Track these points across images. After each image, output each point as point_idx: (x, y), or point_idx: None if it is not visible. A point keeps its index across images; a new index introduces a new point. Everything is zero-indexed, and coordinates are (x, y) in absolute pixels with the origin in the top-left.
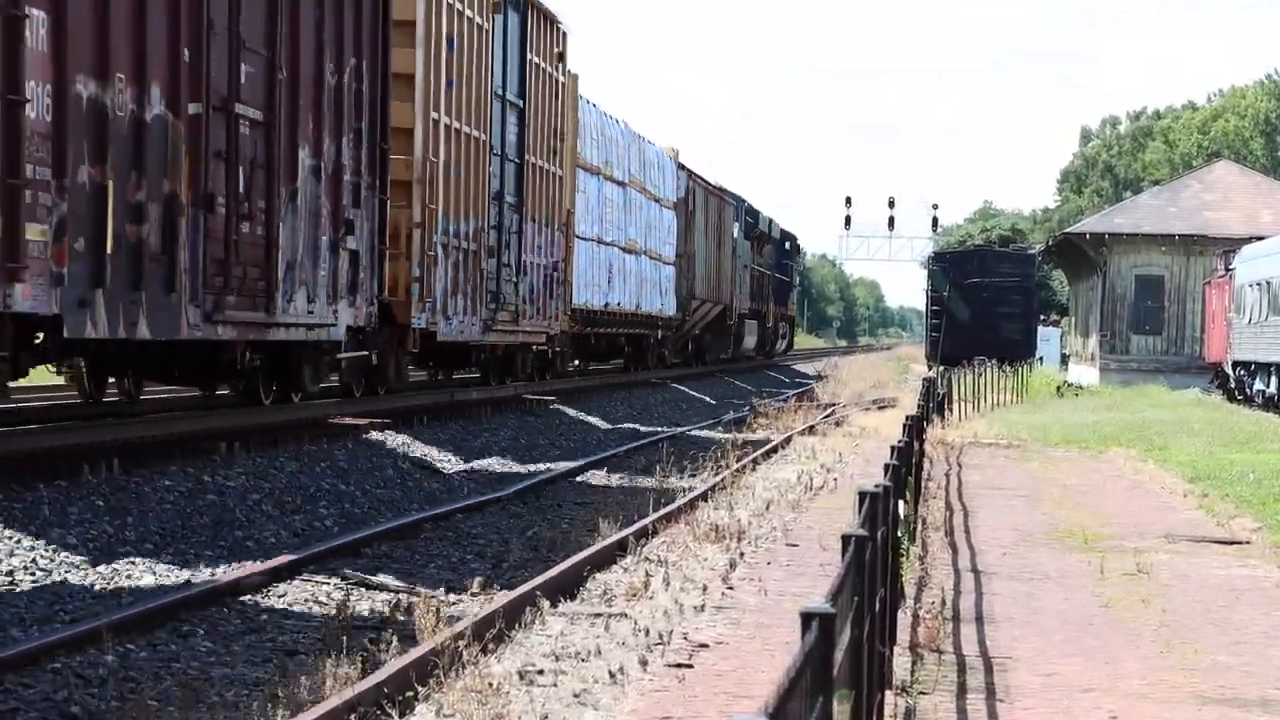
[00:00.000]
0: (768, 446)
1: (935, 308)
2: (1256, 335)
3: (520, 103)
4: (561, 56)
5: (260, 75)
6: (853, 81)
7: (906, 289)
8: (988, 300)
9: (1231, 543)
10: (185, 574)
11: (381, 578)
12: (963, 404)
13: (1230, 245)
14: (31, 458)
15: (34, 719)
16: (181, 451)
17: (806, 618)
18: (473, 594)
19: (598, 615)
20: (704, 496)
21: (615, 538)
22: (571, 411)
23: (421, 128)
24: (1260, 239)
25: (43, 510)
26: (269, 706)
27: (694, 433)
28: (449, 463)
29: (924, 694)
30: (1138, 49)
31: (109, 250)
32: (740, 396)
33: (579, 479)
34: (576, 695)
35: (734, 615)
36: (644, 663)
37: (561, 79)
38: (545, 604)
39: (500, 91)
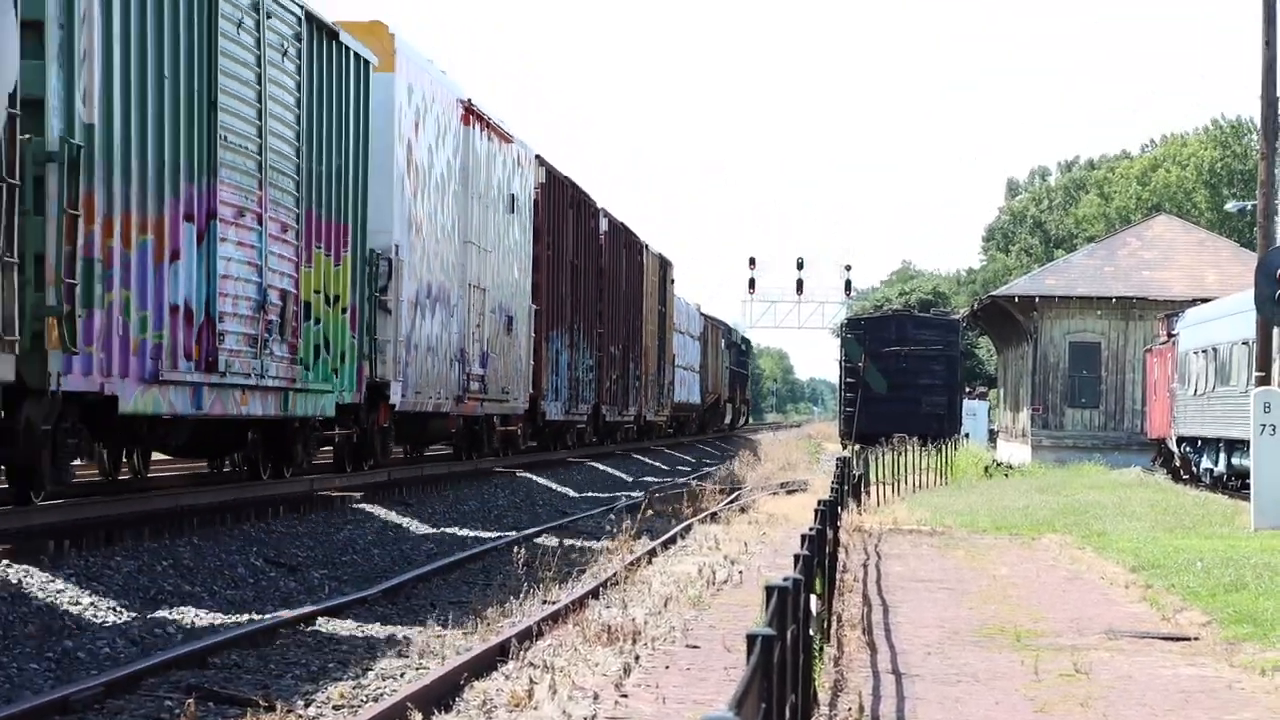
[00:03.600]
0: (664, 537)
1: (850, 380)
2: (1203, 408)
3: (663, 308)
4: (672, 281)
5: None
6: (756, 130)
7: (818, 359)
8: (907, 371)
9: (1179, 639)
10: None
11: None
12: (881, 486)
13: (1172, 308)
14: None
15: None
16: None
17: None
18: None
19: None
20: (594, 593)
21: (496, 641)
22: (669, 452)
23: (656, 337)
24: (1205, 301)
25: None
26: None
27: (710, 467)
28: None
29: None
30: (1067, 94)
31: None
32: (726, 450)
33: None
34: None
35: None
36: None
37: (669, 290)
38: (418, 717)
39: (658, 307)
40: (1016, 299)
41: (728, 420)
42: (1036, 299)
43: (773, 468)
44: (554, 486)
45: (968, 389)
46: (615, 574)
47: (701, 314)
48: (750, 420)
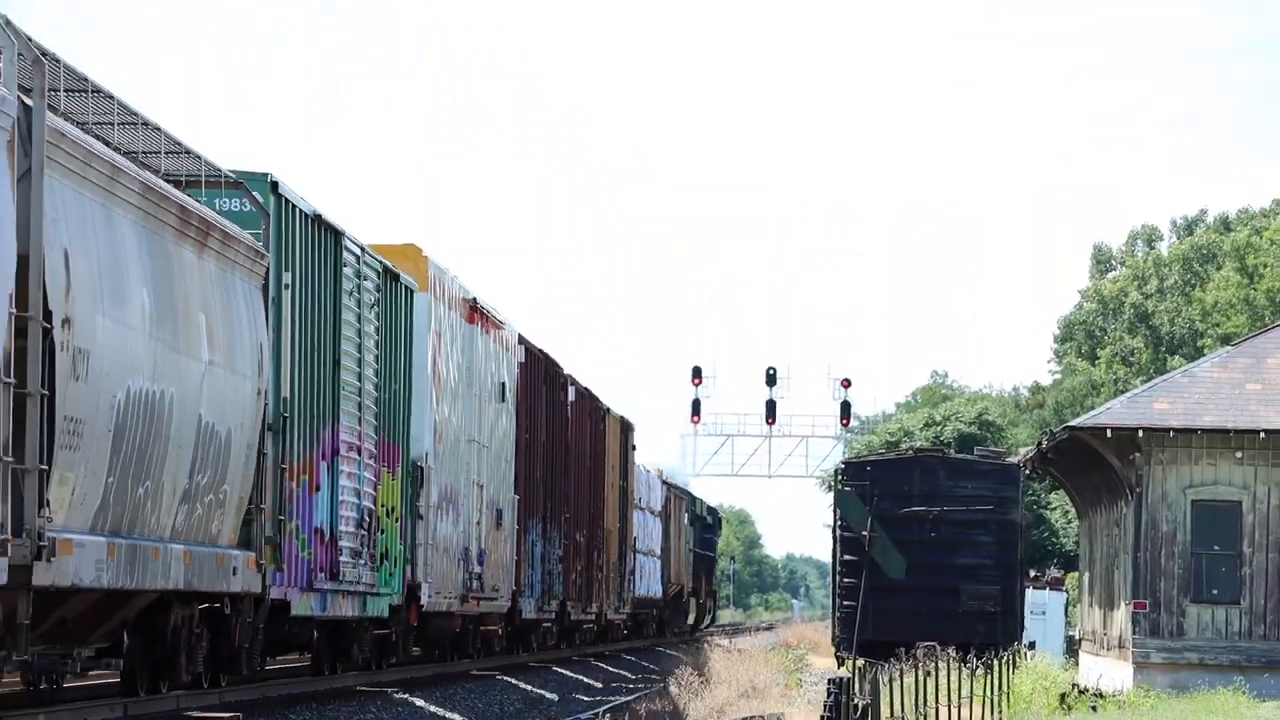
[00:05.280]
0: None
1: (849, 558)
2: None
3: (624, 482)
4: (634, 447)
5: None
6: (696, 163)
7: (799, 526)
8: (939, 544)
9: None
10: None
11: None
12: None
13: None
14: None
15: None
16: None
17: None
18: None
19: None
20: None
21: None
22: (627, 657)
23: (618, 517)
24: None
25: None
26: None
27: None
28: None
29: None
30: (1190, 140)
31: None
32: (680, 657)
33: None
34: None
35: None
36: None
37: (631, 458)
38: None
39: (619, 481)
40: (1109, 433)
41: (691, 619)
42: (1140, 433)
43: (729, 694)
44: (534, 689)
45: (1033, 573)
46: None
47: (663, 483)
48: (716, 619)
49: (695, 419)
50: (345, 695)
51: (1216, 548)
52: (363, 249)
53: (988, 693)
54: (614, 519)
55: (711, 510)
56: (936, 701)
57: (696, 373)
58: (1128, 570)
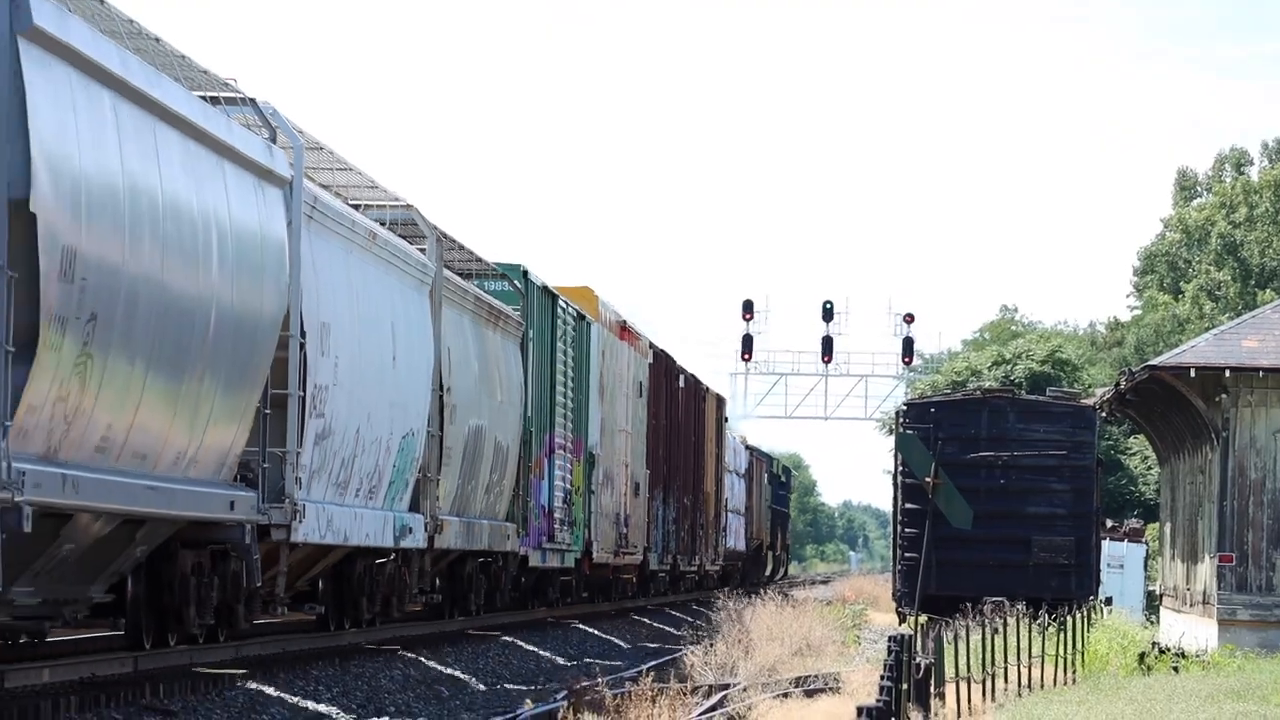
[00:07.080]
0: None
1: (911, 506)
2: None
3: (719, 450)
4: (726, 419)
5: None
6: (755, 96)
7: (857, 472)
8: (1008, 492)
9: None
10: None
11: None
12: (965, 686)
13: None
14: None
15: None
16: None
17: None
18: None
19: None
20: None
21: None
22: (718, 602)
23: (714, 482)
24: None
25: None
26: None
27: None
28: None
29: None
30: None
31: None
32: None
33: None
34: None
35: None
36: None
37: (724, 429)
38: None
39: (715, 450)
40: (1193, 373)
41: (768, 571)
42: (1227, 373)
43: (781, 651)
44: (658, 625)
45: (1110, 524)
46: None
47: (746, 447)
48: (788, 574)
49: (746, 357)
50: (543, 625)
51: None
52: (566, 303)
53: (1061, 652)
54: (711, 483)
55: (785, 469)
56: (1005, 661)
57: (748, 307)
58: (1212, 521)
